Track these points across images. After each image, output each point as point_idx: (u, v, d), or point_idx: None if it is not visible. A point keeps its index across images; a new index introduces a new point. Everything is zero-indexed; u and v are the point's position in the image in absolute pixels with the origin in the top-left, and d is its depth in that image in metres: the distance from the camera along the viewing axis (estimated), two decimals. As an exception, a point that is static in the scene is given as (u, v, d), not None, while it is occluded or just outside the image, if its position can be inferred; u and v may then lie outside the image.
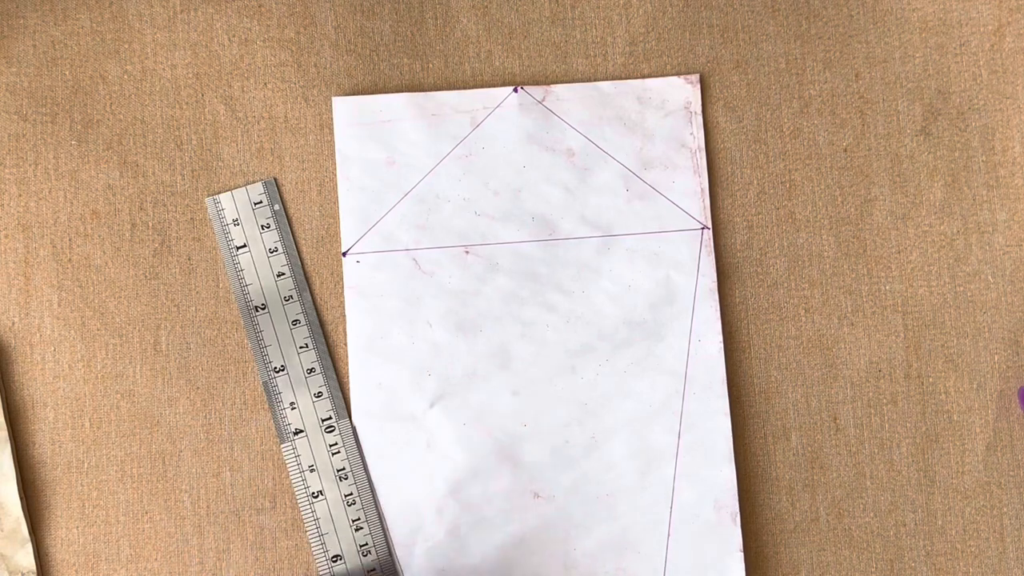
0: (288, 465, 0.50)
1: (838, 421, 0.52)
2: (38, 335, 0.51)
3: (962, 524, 0.51)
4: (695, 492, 0.50)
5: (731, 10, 0.54)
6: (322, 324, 0.52)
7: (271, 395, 0.50)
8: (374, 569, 0.49)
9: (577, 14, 0.54)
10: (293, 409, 0.50)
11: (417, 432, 0.51)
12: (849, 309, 0.52)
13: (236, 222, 0.51)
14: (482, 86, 0.53)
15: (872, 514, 0.51)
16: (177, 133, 0.53)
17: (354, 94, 0.53)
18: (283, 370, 0.50)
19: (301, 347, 0.51)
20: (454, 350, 0.51)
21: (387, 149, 0.52)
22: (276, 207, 0.51)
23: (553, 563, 0.50)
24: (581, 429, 0.51)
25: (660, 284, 0.52)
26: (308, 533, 0.50)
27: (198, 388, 0.51)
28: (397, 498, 0.50)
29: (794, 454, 0.51)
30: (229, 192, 0.51)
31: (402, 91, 0.53)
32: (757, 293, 0.52)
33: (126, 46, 0.53)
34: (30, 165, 0.52)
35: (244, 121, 0.53)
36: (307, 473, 0.50)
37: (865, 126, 0.53)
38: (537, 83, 0.53)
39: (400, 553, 0.50)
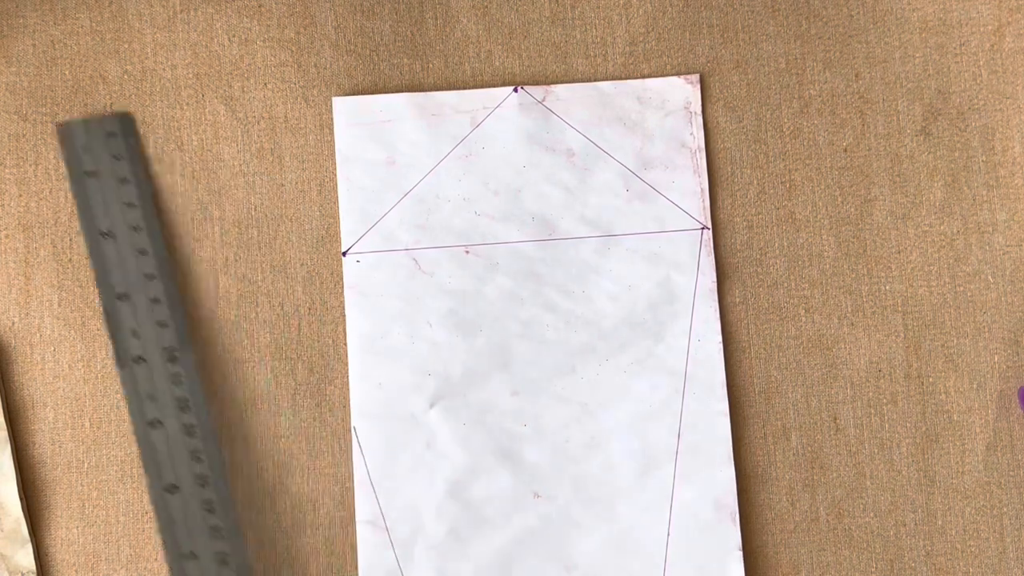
0: (124, 391, 0.50)
1: (838, 421, 0.52)
2: (38, 335, 0.51)
3: (962, 524, 0.51)
4: (695, 492, 0.50)
5: (731, 10, 0.54)
6: (321, 324, 0.52)
7: (112, 320, 0.50)
8: (211, 500, 0.49)
9: (577, 14, 0.54)
10: (135, 337, 0.50)
11: (417, 432, 0.51)
12: (849, 309, 0.52)
13: (86, 149, 0.51)
14: (482, 86, 0.53)
15: (872, 514, 0.51)
16: (177, 133, 0.53)
17: (354, 94, 0.53)
18: (126, 297, 0.50)
19: (148, 275, 0.51)
20: (454, 350, 0.51)
21: (387, 149, 0.52)
22: (131, 140, 0.51)
23: (553, 563, 0.50)
24: (581, 429, 0.51)
25: (660, 284, 0.52)
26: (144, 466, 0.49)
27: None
28: (397, 498, 0.50)
29: (794, 454, 0.51)
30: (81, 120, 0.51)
31: (402, 91, 0.53)
32: (757, 293, 0.52)
33: (126, 46, 0.53)
34: (30, 165, 0.52)
35: (244, 121, 0.53)
36: (145, 401, 0.50)
37: (865, 126, 0.53)
38: (537, 83, 0.53)
39: (400, 553, 0.50)
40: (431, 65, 0.53)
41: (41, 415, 0.51)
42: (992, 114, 0.53)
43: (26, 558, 0.50)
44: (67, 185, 0.51)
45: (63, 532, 0.50)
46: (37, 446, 0.51)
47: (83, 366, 0.51)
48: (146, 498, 0.51)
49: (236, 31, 0.53)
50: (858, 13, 0.54)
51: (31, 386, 0.51)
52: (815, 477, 0.51)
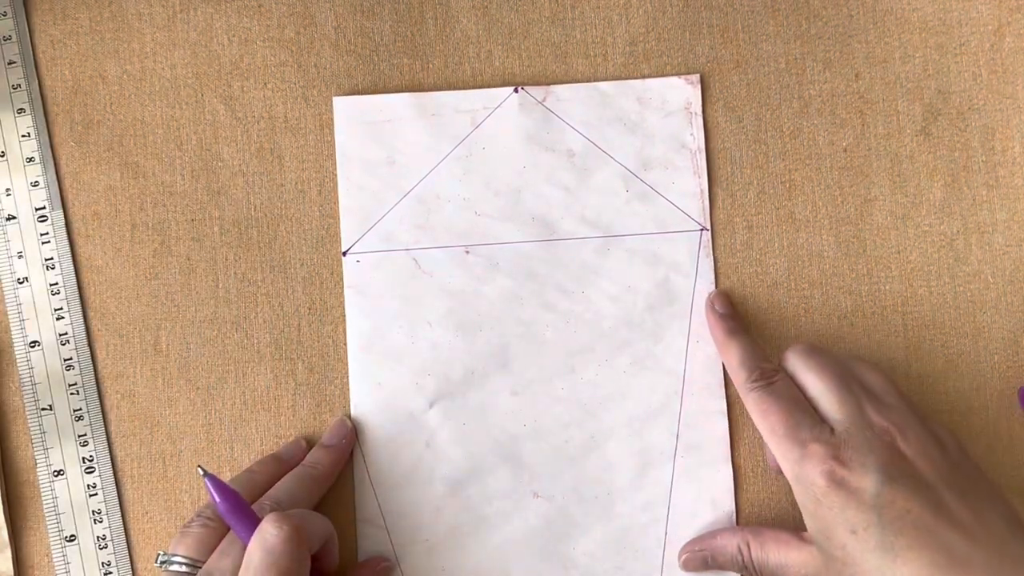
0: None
1: (838, 421, 0.52)
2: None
3: (961, 524, 0.51)
4: (693, 492, 0.51)
5: (731, 10, 0.54)
6: (321, 324, 0.52)
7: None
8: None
9: (577, 14, 0.54)
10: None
11: (417, 432, 0.51)
12: (849, 309, 0.52)
13: None
14: (482, 86, 0.53)
15: (871, 514, 0.51)
16: (177, 133, 0.53)
17: (354, 94, 0.53)
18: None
19: (23, 135, 0.52)
20: (454, 350, 0.51)
21: (387, 149, 0.52)
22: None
23: (553, 563, 0.50)
24: (580, 429, 0.51)
25: (659, 285, 0.52)
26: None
27: (198, 388, 0.51)
28: (397, 498, 0.50)
29: (794, 454, 0.51)
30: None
31: (402, 91, 0.53)
32: (757, 293, 0.52)
33: (125, 46, 0.53)
34: None
35: (244, 121, 0.53)
36: (15, 260, 0.51)
37: (865, 126, 0.53)
38: (537, 83, 0.53)
39: (400, 553, 0.50)
40: (431, 65, 0.53)
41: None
42: (992, 114, 0.53)
43: (4, 563, 0.50)
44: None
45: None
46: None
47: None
48: (146, 498, 0.51)
49: (236, 31, 0.53)
50: (858, 13, 0.54)
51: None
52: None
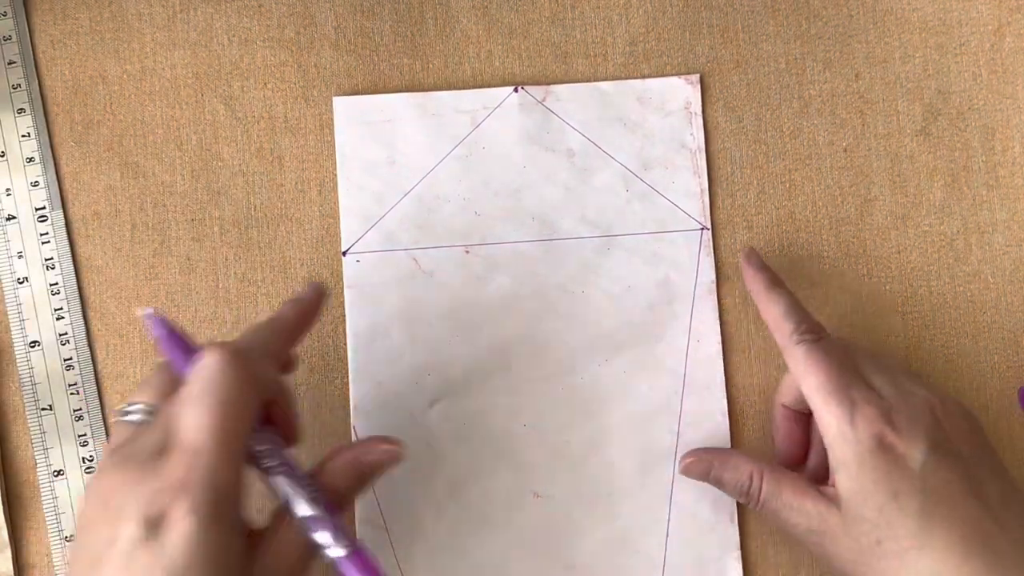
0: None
1: (838, 421, 0.52)
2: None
3: (962, 524, 0.51)
4: (694, 492, 0.50)
5: (731, 10, 0.54)
6: (321, 324, 0.52)
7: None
8: (70, 359, 0.49)
9: (577, 14, 0.54)
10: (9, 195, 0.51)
11: (417, 432, 0.51)
12: (849, 309, 0.52)
13: None
14: (482, 86, 0.53)
15: (872, 514, 0.51)
16: (177, 133, 0.53)
17: (354, 94, 0.53)
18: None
19: (23, 135, 0.52)
20: (454, 350, 0.51)
21: (387, 149, 0.52)
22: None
23: (553, 563, 0.50)
24: (581, 429, 0.51)
25: (660, 284, 0.52)
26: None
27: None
28: (397, 498, 0.50)
29: (794, 454, 0.51)
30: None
31: (402, 91, 0.53)
32: (757, 293, 0.52)
33: (125, 46, 0.53)
34: None
35: (244, 121, 0.53)
36: (15, 260, 0.51)
37: (865, 126, 0.53)
38: (537, 83, 0.53)
39: (400, 553, 0.50)
40: (431, 65, 0.53)
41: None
42: (992, 114, 0.53)
43: (4, 563, 0.49)
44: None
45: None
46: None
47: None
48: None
49: (236, 31, 0.53)
50: (858, 13, 0.54)
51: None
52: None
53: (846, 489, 0.44)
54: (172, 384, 0.41)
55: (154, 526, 0.36)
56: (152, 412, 0.40)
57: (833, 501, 0.44)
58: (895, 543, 0.42)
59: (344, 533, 0.39)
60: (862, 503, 0.43)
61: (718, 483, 0.48)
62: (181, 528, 0.36)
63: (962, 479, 0.43)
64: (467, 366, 0.51)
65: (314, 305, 0.46)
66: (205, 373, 0.39)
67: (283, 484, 0.40)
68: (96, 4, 0.53)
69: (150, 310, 0.42)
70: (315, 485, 0.40)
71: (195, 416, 0.38)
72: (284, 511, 0.40)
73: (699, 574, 0.50)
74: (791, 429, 0.48)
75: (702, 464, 0.48)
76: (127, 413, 0.41)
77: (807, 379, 0.45)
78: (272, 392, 0.42)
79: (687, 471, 0.49)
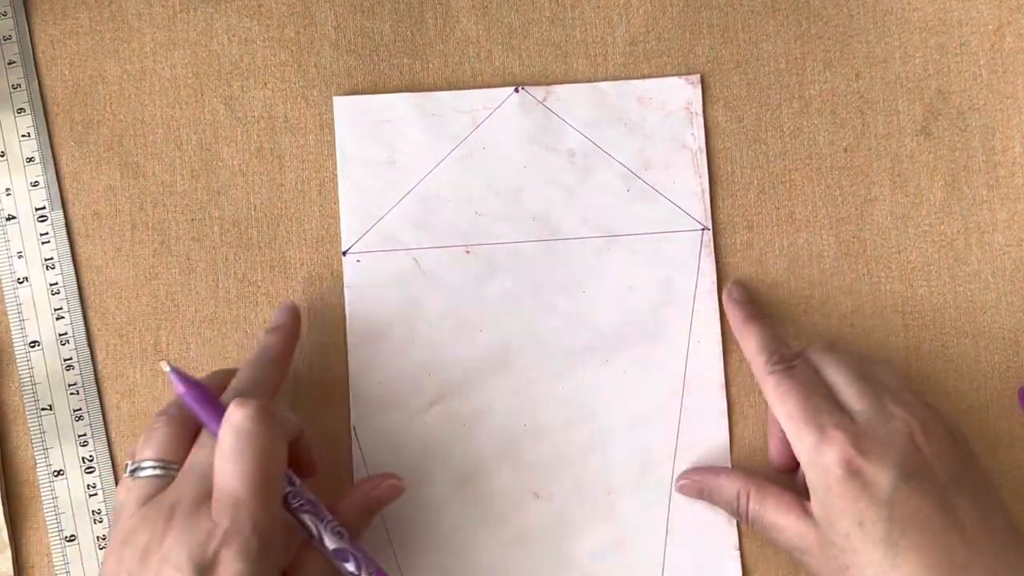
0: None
1: (838, 421, 0.52)
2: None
3: (962, 524, 0.51)
4: (695, 492, 0.51)
5: (731, 10, 0.54)
6: (321, 324, 0.52)
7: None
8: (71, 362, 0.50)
9: (577, 14, 0.54)
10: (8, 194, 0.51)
11: (417, 432, 0.51)
12: (849, 309, 0.52)
13: None
14: (482, 86, 0.53)
15: (872, 514, 0.51)
16: (177, 133, 0.53)
17: (354, 94, 0.53)
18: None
19: (23, 135, 0.52)
20: (454, 350, 0.51)
21: (387, 149, 0.52)
22: None
23: (553, 563, 0.50)
24: (581, 429, 0.51)
25: (660, 284, 0.52)
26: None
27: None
28: (397, 498, 0.50)
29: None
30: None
31: (402, 91, 0.53)
32: (757, 293, 0.52)
33: (125, 45, 0.53)
34: None
35: (244, 121, 0.53)
36: (15, 259, 0.51)
37: (865, 126, 0.53)
38: (537, 83, 0.53)
39: (400, 553, 0.50)
40: (431, 65, 0.53)
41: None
42: (992, 114, 0.53)
43: (4, 563, 0.49)
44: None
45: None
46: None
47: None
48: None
49: (236, 31, 0.53)
50: (858, 13, 0.54)
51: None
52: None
53: (817, 513, 0.44)
54: (180, 438, 0.43)
55: (205, 572, 0.39)
56: (166, 467, 0.42)
57: (811, 518, 0.45)
58: (860, 570, 0.42)
59: (369, 561, 0.43)
60: (830, 528, 0.43)
61: (710, 501, 0.49)
62: (231, 572, 0.39)
63: (934, 506, 0.42)
64: (467, 366, 0.51)
65: (295, 328, 0.49)
66: (238, 428, 0.41)
67: (310, 521, 0.43)
68: (96, 4, 0.53)
69: (170, 367, 0.44)
70: (335, 520, 0.43)
71: (234, 470, 0.40)
72: (309, 545, 0.43)
73: (698, 574, 0.50)
74: (783, 437, 0.49)
75: (694, 486, 0.50)
76: (140, 469, 0.42)
77: (778, 409, 0.46)
78: (293, 434, 0.44)
79: (681, 491, 0.50)
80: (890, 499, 0.42)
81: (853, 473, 0.43)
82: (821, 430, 0.44)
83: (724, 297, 0.51)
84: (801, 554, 0.45)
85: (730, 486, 0.48)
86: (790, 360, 0.47)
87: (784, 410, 0.45)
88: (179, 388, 0.43)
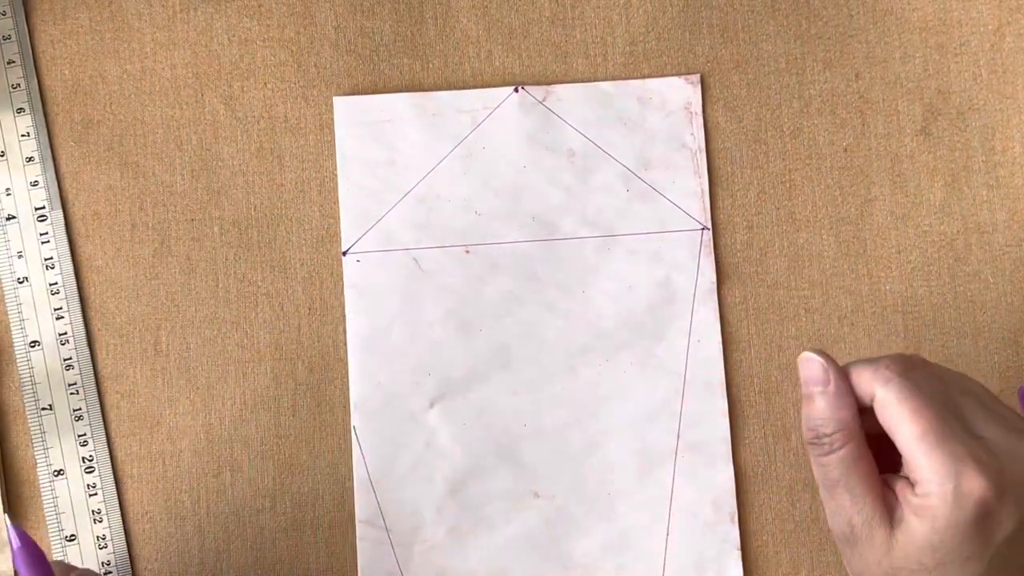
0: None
1: (838, 421, 0.51)
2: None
3: (962, 524, 0.51)
4: (694, 492, 0.51)
5: (731, 10, 0.54)
6: (321, 324, 0.52)
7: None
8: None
9: (577, 14, 0.54)
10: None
11: (417, 432, 0.51)
12: (849, 309, 0.52)
13: None
14: (482, 86, 0.53)
15: (872, 514, 0.51)
16: (177, 133, 0.53)
17: (354, 94, 0.53)
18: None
19: (23, 134, 0.52)
20: (454, 350, 0.51)
21: (387, 149, 0.52)
22: None
23: (553, 563, 0.50)
24: (581, 429, 0.51)
25: (660, 284, 0.52)
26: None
27: (198, 388, 0.51)
28: (397, 498, 0.50)
29: (794, 454, 0.51)
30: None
31: (402, 91, 0.53)
32: (757, 293, 0.52)
33: (125, 45, 0.53)
34: (30, 165, 0.52)
35: (244, 121, 0.53)
36: (15, 259, 0.52)
37: (865, 126, 0.53)
38: (537, 83, 0.53)
39: (400, 553, 0.50)
40: (431, 65, 0.53)
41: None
42: (992, 114, 0.53)
43: (4, 563, 0.49)
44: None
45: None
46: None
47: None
48: (146, 498, 0.51)
49: (236, 31, 0.53)
50: (858, 13, 0.54)
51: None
52: (815, 477, 0.51)
53: (919, 535, 0.39)
54: None
55: None
56: None
57: (893, 517, 0.39)
58: None
59: None
60: (929, 553, 0.38)
61: (808, 402, 0.41)
62: None
63: None
64: (467, 366, 0.51)
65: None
66: None
67: None
68: (96, 4, 0.53)
69: (11, 523, 0.44)
70: None
71: None
72: None
73: (699, 574, 0.50)
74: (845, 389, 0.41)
75: (822, 371, 0.41)
76: None
77: (903, 427, 0.39)
78: None
79: (805, 362, 0.41)
80: (1006, 542, 0.38)
81: (987, 515, 0.38)
82: (959, 462, 0.38)
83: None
84: (851, 543, 0.40)
85: (840, 411, 0.40)
86: (903, 363, 0.40)
87: (916, 431, 0.38)
88: (15, 543, 0.43)
